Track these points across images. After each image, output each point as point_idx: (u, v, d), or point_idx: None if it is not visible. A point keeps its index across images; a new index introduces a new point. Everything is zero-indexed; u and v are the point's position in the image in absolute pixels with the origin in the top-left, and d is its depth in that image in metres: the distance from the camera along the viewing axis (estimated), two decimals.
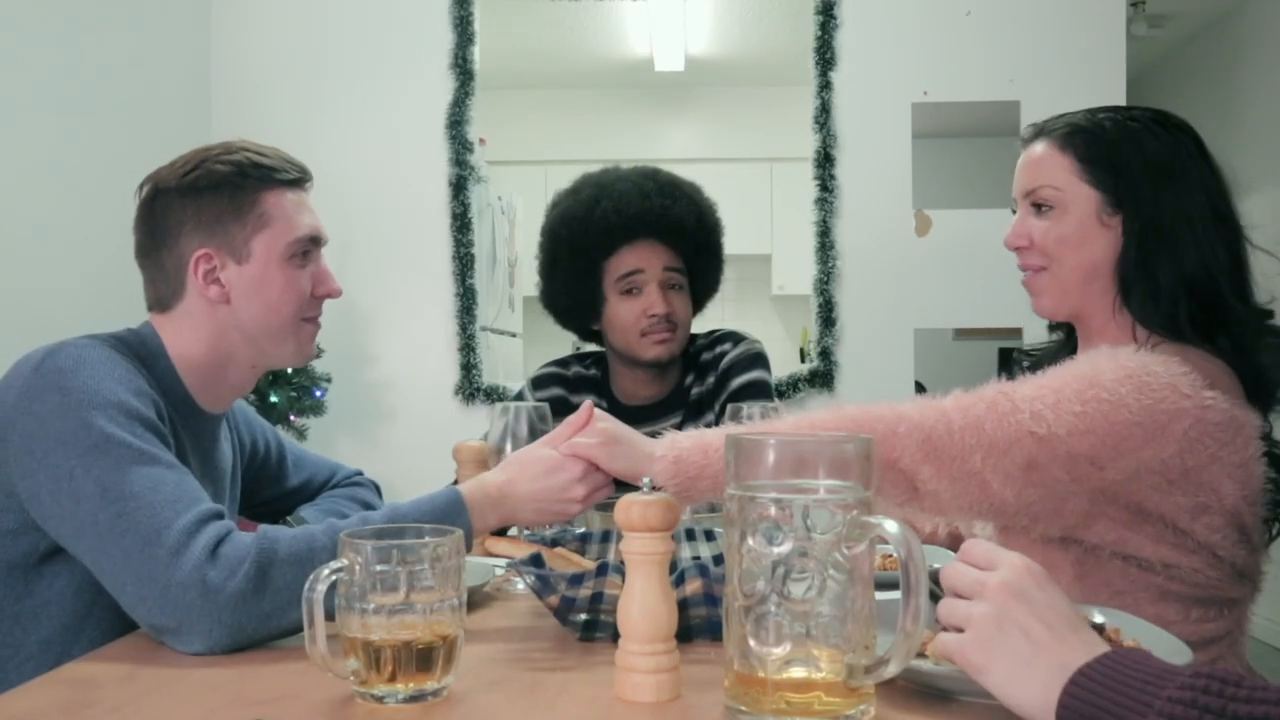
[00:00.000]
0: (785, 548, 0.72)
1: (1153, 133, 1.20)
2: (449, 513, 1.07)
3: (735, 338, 1.95)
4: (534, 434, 1.31)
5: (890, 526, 0.71)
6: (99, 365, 1.08)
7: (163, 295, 1.23)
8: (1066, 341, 1.36)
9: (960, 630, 0.75)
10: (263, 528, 1.02)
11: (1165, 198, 1.17)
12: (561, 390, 1.90)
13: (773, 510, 0.72)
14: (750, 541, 0.73)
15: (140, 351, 1.18)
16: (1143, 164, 1.19)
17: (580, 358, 1.99)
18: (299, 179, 1.25)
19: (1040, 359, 1.36)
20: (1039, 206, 1.24)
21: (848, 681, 0.72)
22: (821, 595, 0.72)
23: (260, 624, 0.97)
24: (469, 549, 1.09)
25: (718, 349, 1.94)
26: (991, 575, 0.75)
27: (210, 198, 1.19)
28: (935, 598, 1.02)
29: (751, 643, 0.73)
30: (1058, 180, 1.22)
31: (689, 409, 1.88)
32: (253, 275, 1.20)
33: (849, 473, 0.74)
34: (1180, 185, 1.18)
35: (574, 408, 1.89)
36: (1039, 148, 1.25)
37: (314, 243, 1.25)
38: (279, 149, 1.26)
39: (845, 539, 0.72)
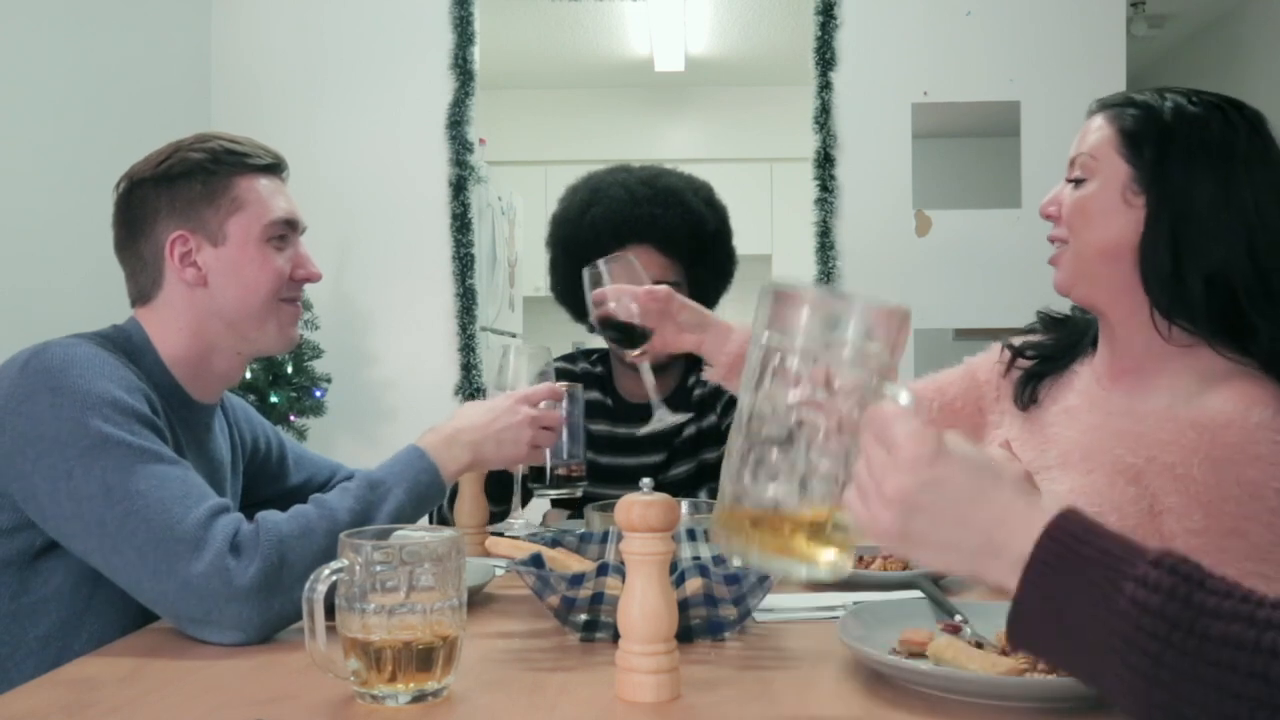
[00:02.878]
0: (802, 396, 0.72)
1: (1212, 117, 1.14)
2: (411, 461, 1.17)
3: None
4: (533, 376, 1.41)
5: (904, 397, 0.72)
6: (88, 363, 1.08)
7: (143, 286, 1.23)
8: (1070, 342, 1.32)
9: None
10: (258, 514, 1.04)
11: (1203, 184, 1.11)
12: None
13: (796, 360, 0.73)
14: (768, 385, 0.73)
15: (126, 347, 1.18)
16: (1188, 146, 1.12)
17: (586, 354, 1.99)
18: (273, 165, 1.26)
19: (1046, 354, 1.33)
20: (1077, 178, 1.20)
21: (829, 536, 0.74)
22: (824, 451, 0.73)
23: (286, 599, 0.98)
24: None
25: None
26: (885, 479, 0.70)
27: (184, 184, 1.20)
28: (934, 597, 1.03)
29: (746, 480, 0.74)
30: (1096, 150, 1.18)
31: (692, 408, 1.88)
32: (230, 258, 1.21)
33: (877, 335, 0.74)
34: (1225, 173, 1.11)
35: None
36: (1095, 120, 1.21)
37: (290, 227, 1.25)
38: (253, 139, 1.27)
39: (862, 401, 0.72)
